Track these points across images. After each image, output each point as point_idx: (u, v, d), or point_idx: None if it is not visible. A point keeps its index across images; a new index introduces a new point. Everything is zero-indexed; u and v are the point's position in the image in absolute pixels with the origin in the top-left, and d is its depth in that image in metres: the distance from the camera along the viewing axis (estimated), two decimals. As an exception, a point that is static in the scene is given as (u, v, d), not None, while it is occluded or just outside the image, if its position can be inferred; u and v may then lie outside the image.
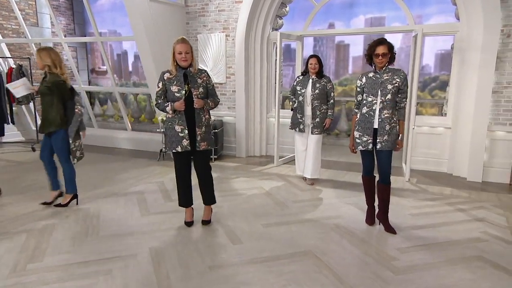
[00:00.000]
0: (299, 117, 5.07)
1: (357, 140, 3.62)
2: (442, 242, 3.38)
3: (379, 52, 3.36)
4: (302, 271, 2.88)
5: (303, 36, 6.40)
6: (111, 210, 4.18)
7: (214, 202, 3.84)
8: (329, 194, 4.73)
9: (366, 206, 3.89)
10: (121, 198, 4.59)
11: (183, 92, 3.45)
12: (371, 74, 3.55)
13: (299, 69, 6.40)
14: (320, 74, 4.98)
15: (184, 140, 3.51)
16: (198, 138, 3.53)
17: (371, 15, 7.76)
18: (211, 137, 3.66)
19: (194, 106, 3.46)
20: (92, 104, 9.98)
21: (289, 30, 6.54)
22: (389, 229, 3.61)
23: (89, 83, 10.59)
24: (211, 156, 3.76)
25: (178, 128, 3.51)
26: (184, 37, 3.46)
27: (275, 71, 6.79)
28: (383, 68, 3.46)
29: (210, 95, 3.64)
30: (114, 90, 7.81)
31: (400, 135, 3.56)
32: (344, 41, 8.93)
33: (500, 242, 3.39)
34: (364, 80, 3.59)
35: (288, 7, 6.71)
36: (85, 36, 9.98)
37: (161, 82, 3.55)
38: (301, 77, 5.11)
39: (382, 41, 3.37)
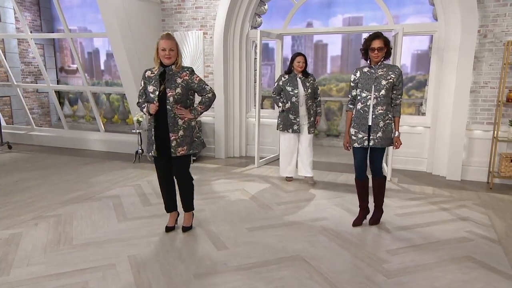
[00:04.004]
0: (292, 118, 4.91)
1: (353, 137, 3.53)
2: (431, 243, 3.34)
3: (375, 46, 3.29)
4: (293, 278, 2.75)
5: (283, 35, 6.30)
6: (85, 216, 3.92)
7: (192, 209, 3.62)
8: (313, 196, 4.64)
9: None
10: (95, 202, 4.32)
11: (157, 92, 3.19)
12: (365, 69, 3.47)
13: (278, 68, 6.29)
14: (305, 72, 4.91)
15: (154, 144, 3.30)
16: (173, 143, 3.24)
17: (349, 14, 7.78)
18: (194, 139, 3.35)
19: (180, 116, 3.22)
20: (61, 104, 9.53)
21: (267, 28, 6.42)
22: (375, 221, 3.65)
23: (58, 82, 10.10)
24: (190, 162, 3.51)
25: (152, 131, 3.31)
26: (169, 32, 3.24)
27: (255, 70, 6.65)
28: (378, 63, 3.40)
29: (198, 92, 3.32)
30: (86, 89, 7.46)
31: (397, 132, 3.51)
32: (322, 41, 8.90)
33: (486, 242, 3.39)
34: (358, 74, 3.50)
35: (267, 5, 6.59)
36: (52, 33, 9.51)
37: (142, 81, 3.32)
38: (286, 77, 4.96)
39: (378, 35, 3.30)
